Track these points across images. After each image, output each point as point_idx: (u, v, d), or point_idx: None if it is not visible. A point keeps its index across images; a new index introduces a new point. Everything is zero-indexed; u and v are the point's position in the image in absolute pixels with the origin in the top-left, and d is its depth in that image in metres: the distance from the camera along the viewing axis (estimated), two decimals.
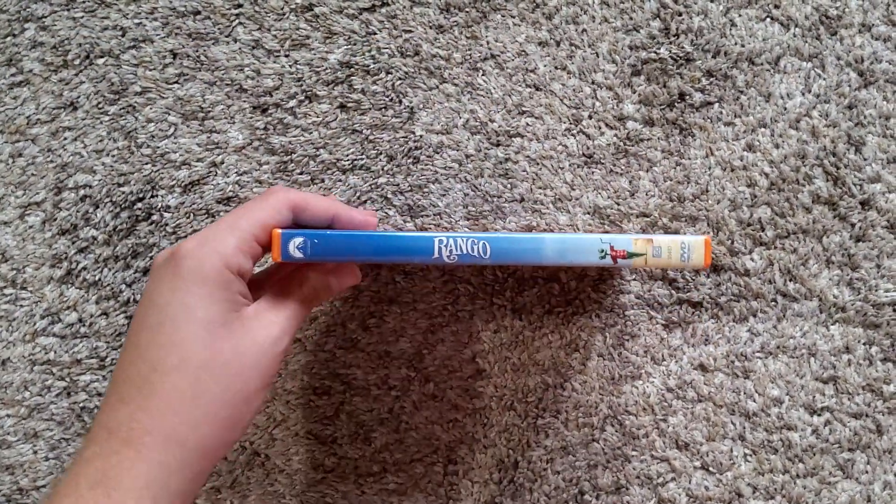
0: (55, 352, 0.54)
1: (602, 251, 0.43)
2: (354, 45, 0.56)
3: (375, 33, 0.56)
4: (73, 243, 0.55)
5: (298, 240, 0.42)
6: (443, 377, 0.54)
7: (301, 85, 0.56)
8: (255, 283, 0.45)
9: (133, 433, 0.36)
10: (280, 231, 0.42)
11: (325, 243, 0.42)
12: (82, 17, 0.56)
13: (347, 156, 0.55)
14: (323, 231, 0.43)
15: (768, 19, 0.57)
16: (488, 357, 0.54)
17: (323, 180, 0.55)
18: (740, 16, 0.57)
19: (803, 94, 0.57)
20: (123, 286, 0.54)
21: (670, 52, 0.57)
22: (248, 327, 0.40)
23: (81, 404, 0.54)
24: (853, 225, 0.55)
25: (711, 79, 0.56)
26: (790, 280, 0.55)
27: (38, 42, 0.56)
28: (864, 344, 0.55)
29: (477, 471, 0.53)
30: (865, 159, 0.56)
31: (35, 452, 0.54)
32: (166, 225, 0.55)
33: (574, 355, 0.54)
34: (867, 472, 0.53)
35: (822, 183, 0.56)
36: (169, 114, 0.56)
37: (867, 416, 0.54)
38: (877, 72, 0.57)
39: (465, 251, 0.42)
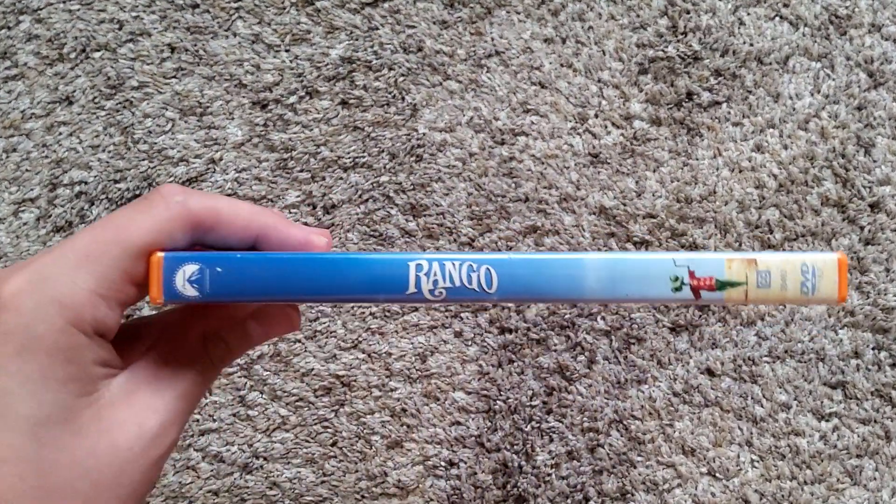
0: None
1: (676, 280, 0.28)
2: (356, 40, 0.55)
3: (378, 28, 0.55)
4: None
5: (192, 268, 0.27)
6: (446, 379, 0.53)
7: (302, 80, 0.55)
8: (129, 335, 0.29)
9: None
10: (162, 255, 0.27)
11: (234, 273, 0.27)
12: (78, 10, 0.55)
13: (349, 153, 0.54)
14: (231, 254, 0.28)
15: (777, 18, 0.56)
16: (491, 359, 0.53)
17: (324, 178, 0.54)
18: (749, 14, 0.56)
19: (812, 95, 0.56)
20: None
21: (678, 50, 0.56)
22: (105, 422, 0.26)
23: None
24: (862, 228, 0.55)
25: (720, 78, 0.56)
26: None
27: (33, 35, 0.55)
28: (872, 348, 0.54)
29: (480, 475, 0.52)
30: (875, 161, 0.55)
31: None
32: None
33: (579, 358, 0.53)
34: (875, 478, 0.53)
35: (831, 185, 0.55)
36: (167, 109, 0.54)
37: (875, 421, 0.53)
38: (887, 73, 0.56)
39: (457, 282, 0.28)
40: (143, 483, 0.26)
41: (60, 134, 0.54)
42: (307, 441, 0.52)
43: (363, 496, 0.52)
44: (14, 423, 0.24)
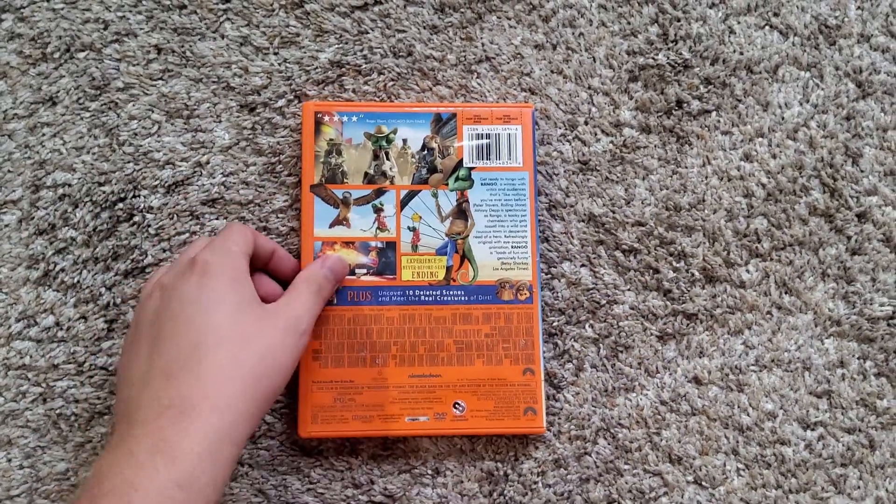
0: (31, 356, 0.52)
1: None
2: (346, 43, 0.55)
3: (368, 32, 0.55)
4: (51, 244, 0.53)
5: None
6: None
7: (290, 84, 0.54)
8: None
9: (189, 401, 0.39)
10: None
11: None
12: (63, 9, 0.54)
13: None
14: None
15: (767, 27, 0.57)
16: None
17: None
18: (739, 23, 0.56)
19: (801, 104, 0.56)
20: (103, 289, 0.52)
21: (668, 58, 0.56)
22: (272, 312, 0.45)
23: (58, 411, 0.52)
24: (849, 238, 0.55)
25: (709, 86, 0.56)
26: (786, 292, 0.54)
27: (15, 33, 0.54)
28: (858, 358, 0.54)
29: (466, 483, 0.52)
30: (862, 171, 0.55)
31: (9, 461, 0.52)
32: (149, 226, 0.53)
33: (567, 366, 0.53)
34: (859, 487, 0.53)
35: (818, 194, 0.55)
36: (152, 111, 0.54)
37: (860, 430, 0.53)
38: (875, 83, 0.56)
39: None
40: (297, 344, 0.45)
41: (44, 135, 0.53)
42: (293, 448, 0.52)
43: (357, 500, 0.52)
44: (227, 306, 0.43)
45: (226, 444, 0.39)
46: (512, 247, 0.52)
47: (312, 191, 0.52)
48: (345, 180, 0.52)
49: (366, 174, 0.52)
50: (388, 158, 0.53)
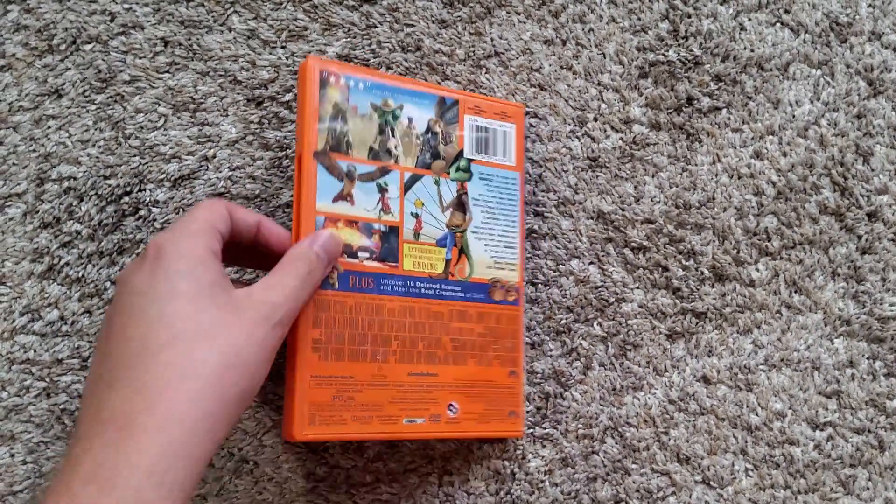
0: (35, 350, 0.52)
1: None
2: (354, 38, 0.54)
3: (376, 26, 0.54)
4: (56, 237, 0.52)
5: None
6: None
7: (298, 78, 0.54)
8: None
9: (129, 416, 0.34)
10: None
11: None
12: (69, 1, 0.54)
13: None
14: None
15: (778, 24, 0.56)
16: None
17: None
18: (750, 20, 0.56)
19: (812, 102, 0.56)
20: (108, 283, 0.52)
21: (678, 54, 0.55)
22: (241, 299, 0.39)
23: (62, 406, 0.51)
24: (860, 237, 0.54)
25: (720, 83, 0.55)
26: (795, 292, 0.54)
27: (21, 25, 0.54)
28: (867, 358, 0.54)
29: (473, 482, 0.52)
30: (873, 170, 0.55)
31: (12, 456, 0.51)
32: (154, 220, 0.53)
33: (575, 364, 0.53)
34: (868, 488, 0.53)
35: (829, 193, 0.55)
36: (159, 104, 0.53)
37: (869, 431, 0.53)
38: (886, 81, 0.56)
39: None
40: (268, 338, 0.39)
41: (49, 128, 0.53)
42: (297, 445, 0.52)
43: (355, 502, 0.51)
44: (181, 296, 0.37)
45: (179, 465, 0.34)
46: (504, 246, 0.51)
47: (317, 158, 0.47)
48: (349, 152, 0.48)
49: (371, 149, 0.48)
50: (393, 135, 0.49)
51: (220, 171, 0.53)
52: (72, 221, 0.52)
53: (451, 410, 0.49)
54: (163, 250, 0.38)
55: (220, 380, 0.36)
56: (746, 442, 0.53)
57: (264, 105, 0.54)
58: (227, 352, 0.37)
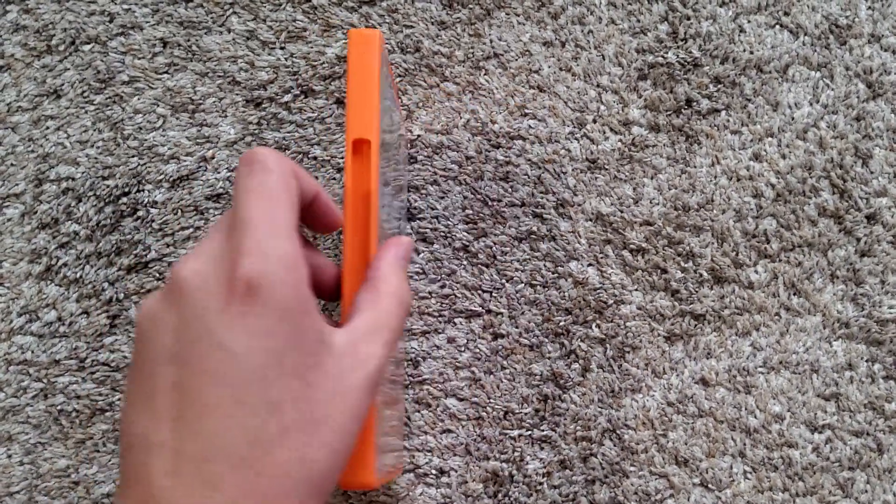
0: (32, 351, 0.52)
1: None
2: None
3: (375, 27, 0.54)
4: (54, 238, 0.52)
5: None
6: (438, 385, 0.52)
7: (297, 79, 0.54)
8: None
9: None
10: None
11: None
12: (68, 1, 0.54)
13: (343, 153, 0.53)
14: None
15: (777, 26, 0.56)
16: (484, 365, 0.52)
17: (317, 178, 0.53)
18: (749, 22, 0.56)
19: (811, 105, 0.55)
20: (106, 284, 0.52)
21: (678, 56, 0.55)
22: (341, 361, 0.32)
23: (59, 407, 0.51)
24: (858, 239, 0.54)
25: (719, 85, 0.55)
26: (794, 294, 0.54)
27: (20, 25, 0.54)
28: (866, 361, 0.54)
29: (471, 484, 0.52)
30: (872, 172, 0.55)
31: (9, 457, 0.51)
32: (152, 221, 0.53)
33: (573, 366, 0.53)
34: (867, 491, 0.52)
35: (828, 196, 0.55)
36: (158, 105, 0.53)
37: (868, 434, 0.53)
38: (885, 83, 0.56)
39: None
40: (366, 409, 0.33)
41: (47, 128, 0.53)
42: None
43: (352, 503, 0.51)
44: (289, 374, 0.30)
45: None
46: None
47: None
48: None
49: None
50: None
51: (219, 172, 0.53)
52: (70, 222, 0.52)
53: None
54: (258, 299, 0.30)
55: (328, 476, 0.32)
56: (745, 444, 0.52)
57: (263, 106, 0.54)
58: (333, 440, 0.32)
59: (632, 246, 0.54)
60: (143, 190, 0.53)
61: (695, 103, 0.55)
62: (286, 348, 0.30)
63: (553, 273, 0.53)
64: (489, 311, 0.53)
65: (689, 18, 0.55)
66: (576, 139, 0.54)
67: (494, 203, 0.53)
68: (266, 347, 0.30)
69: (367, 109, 0.39)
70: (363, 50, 0.40)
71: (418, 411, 0.52)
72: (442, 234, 0.53)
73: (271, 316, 0.30)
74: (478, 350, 0.53)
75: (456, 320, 0.53)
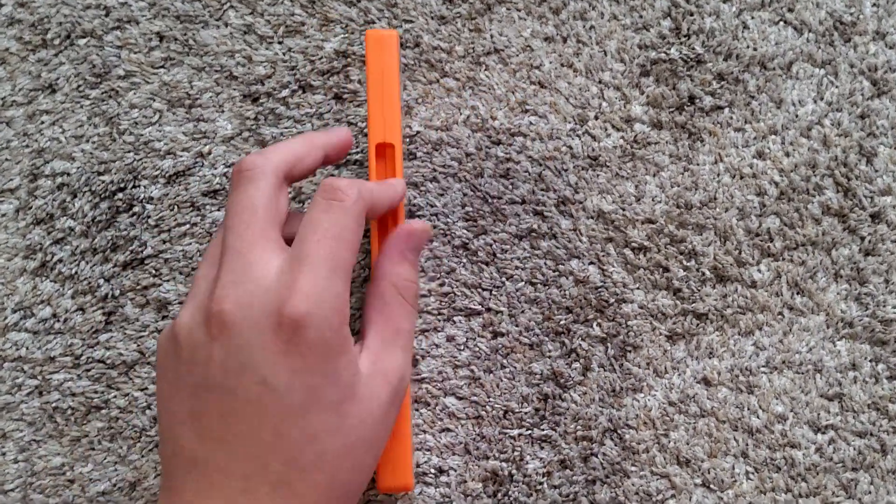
0: (27, 348, 0.51)
1: None
2: (352, 33, 0.54)
3: (374, 22, 0.54)
4: (49, 234, 0.52)
5: None
6: (436, 383, 0.52)
7: (295, 74, 0.53)
8: None
9: None
10: None
11: None
12: None
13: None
14: None
15: (782, 23, 0.55)
16: (484, 364, 0.52)
17: (315, 174, 0.52)
18: (753, 18, 0.55)
19: (815, 102, 0.55)
20: (101, 280, 0.51)
21: (681, 52, 0.55)
22: (365, 391, 0.35)
23: (54, 404, 0.51)
24: (863, 238, 0.54)
25: (722, 82, 0.55)
26: (798, 293, 0.53)
27: (15, 19, 0.53)
28: (870, 361, 0.53)
29: (470, 483, 0.51)
30: (877, 171, 0.54)
31: (3, 454, 0.51)
32: (148, 217, 0.52)
33: (574, 365, 0.52)
34: (870, 492, 0.52)
35: (832, 194, 0.54)
36: (154, 100, 0.53)
37: (872, 434, 0.52)
38: (890, 81, 0.55)
39: None
40: (394, 418, 0.37)
41: (42, 123, 0.52)
42: None
43: None
44: (326, 408, 0.33)
45: None
46: None
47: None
48: None
49: None
50: None
51: (216, 168, 0.52)
52: (65, 218, 0.52)
53: None
54: (305, 340, 0.32)
55: (357, 490, 0.35)
56: (747, 445, 0.52)
57: (260, 101, 0.53)
58: (367, 462, 0.35)
59: (633, 244, 0.53)
60: (139, 185, 0.52)
61: (698, 100, 0.54)
62: (324, 385, 0.33)
63: (554, 271, 0.53)
64: (489, 310, 0.52)
65: (692, 14, 0.55)
66: (577, 136, 0.54)
67: (494, 200, 0.53)
68: (306, 384, 0.33)
69: (389, 112, 0.40)
70: (382, 51, 0.41)
71: (417, 410, 0.51)
72: (441, 231, 0.53)
73: (313, 356, 0.33)
74: (477, 349, 0.52)
75: (455, 318, 0.52)
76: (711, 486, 0.51)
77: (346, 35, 0.53)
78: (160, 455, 0.37)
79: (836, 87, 0.55)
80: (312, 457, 0.33)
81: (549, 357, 0.52)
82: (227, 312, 0.33)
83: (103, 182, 0.52)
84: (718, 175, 0.54)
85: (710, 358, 0.53)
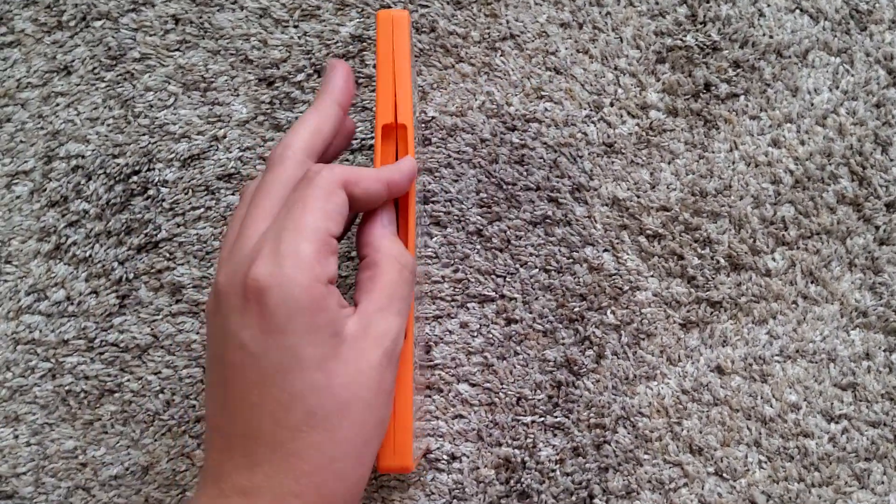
0: (40, 331, 0.51)
1: None
2: (368, 18, 0.53)
3: (390, 6, 0.54)
4: (63, 216, 0.52)
5: None
6: (450, 370, 0.52)
7: (310, 58, 0.53)
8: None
9: (280, 497, 0.33)
10: None
11: None
12: None
13: (356, 134, 0.53)
14: None
15: (798, 11, 0.55)
16: (497, 350, 0.52)
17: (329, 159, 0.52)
18: (769, 6, 0.55)
19: (831, 90, 0.55)
20: (115, 264, 0.51)
21: (697, 39, 0.54)
22: (351, 351, 0.35)
23: (67, 387, 0.51)
24: (877, 227, 0.53)
25: (738, 70, 0.54)
26: (812, 282, 0.53)
27: (31, 0, 0.53)
28: (884, 350, 0.53)
29: (482, 470, 0.51)
30: (892, 160, 0.54)
31: (16, 437, 0.51)
32: (163, 200, 0.52)
33: (587, 353, 0.52)
34: (883, 482, 0.52)
35: (847, 183, 0.54)
36: (169, 83, 0.53)
37: (885, 424, 0.52)
38: None
39: None
40: (392, 381, 0.37)
41: (57, 105, 0.52)
42: None
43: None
44: (307, 366, 0.33)
45: None
46: None
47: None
48: None
49: None
50: None
51: (231, 152, 0.52)
52: (79, 200, 0.52)
53: None
54: (270, 302, 0.33)
55: (362, 450, 0.36)
56: (760, 434, 0.52)
57: (276, 85, 0.53)
58: (367, 422, 0.35)
59: (648, 232, 0.53)
60: (153, 169, 0.52)
61: (713, 87, 0.54)
62: (302, 344, 0.33)
63: (568, 258, 0.53)
64: (503, 297, 0.52)
65: (708, 1, 0.55)
66: (592, 122, 0.54)
67: (509, 187, 0.53)
68: (281, 345, 0.33)
69: (401, 94, 0.40)
70: (393, 32, 0.41)
71: (430, 396, 0.51)
72: (455, 217, 0.52)
73: (282, 315, 0.33)
74: (491, 335, 0.52)
75: (469, 305, 0.52)
76: (724, 474, 0.51)
77: (362, 19, 0.53)
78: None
79: (852, 75, 0.55)
80: (301, 415, 0.33)
81: (563, 344, 0.52)
82: (219, 285, 0.35)
83: (118, 165, 0.52)
84: (733, 163, 0.54)
85: (723, 346, 0.53)
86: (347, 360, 0.35)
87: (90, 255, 0.51)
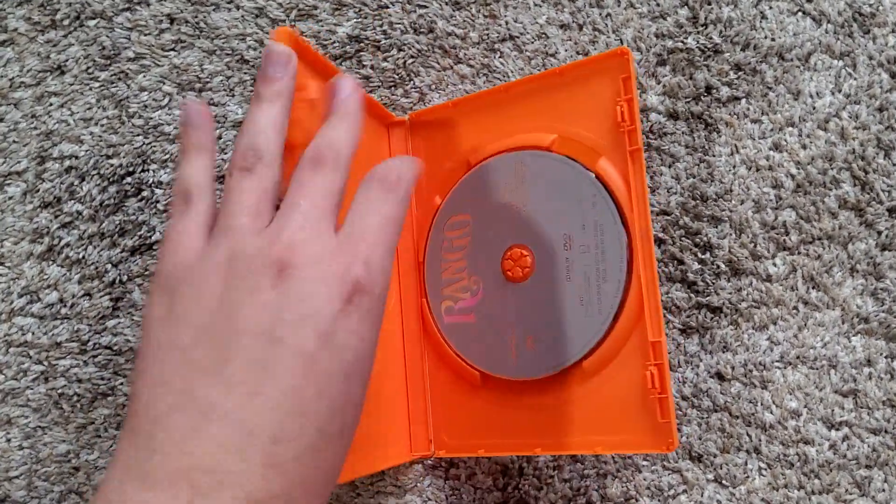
0: (33, 333, 0.50)
1: None
2: (365, 18, 0.53)
3: (388, 7, 0.53)
4: (56, 217, 0.51)
5: None
6: None
7: None
8: None
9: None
10: None
11: None
12: None
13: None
14: None
15: (800, 13, 0.55)
16: None
17: None
18: (771, 8, 0.55)
19: (833, 94, 0.54)
20: (109, 265, 0.51)
21: (698, 42, 0.54)
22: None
23: (60, 390, 0.50)
24: (880, 233, 0.53)
25: (739, 73, 0.54)
26: (813, 288, 0.53)
27: None
28: (885, 357, 0.52)
29: (480, 476, 0.50)
30: (895, 164, 0.53)
31: (8, 440, 0.50)
32: (157, 202, 0.51)
33: None
34: (884, 490, 0.51)
35: (849, 187, 0.53)
36: (164, 83, 0.52)
37: (886, 432, 0.52)
38: None
39: None
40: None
41: (51, 105, 0.52)
42: None
43: (359, 493, 0.50)
44: (360, 376, 0.32)
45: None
46: None
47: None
48: None
49: None
50: None
51: (226, 153, 0.52)
52: (73, 201, 0.51)
53: None
54: (374, 308, 0.32)
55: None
56: (760, 440, 0.51)
57: None
58: (359, 346, 0.32)
59: None
60: (147, 170, 0.51)
61: (714, 90, 0.54)
62: (368, 356, 0.33)
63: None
64: None
65: (709, 3, 0.54)
66: None
67: None
68: (371, 349, 0.33)
69: None
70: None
71: None
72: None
73: (368, 321, 0.32)
74: None
75: None
76: (724, 481, 0.51)
77: (360, 20, 0.53)
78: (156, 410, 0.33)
79: (855, 79, 0.54)
80: (339, 427, 0.31)
81: None
82: (296, 257, 0.31)
83: (112, 166, 0.51)
84: (734, 167, 0.53)
85: (723, 352, 0.52)
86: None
87: (83, 257, 0.51)
